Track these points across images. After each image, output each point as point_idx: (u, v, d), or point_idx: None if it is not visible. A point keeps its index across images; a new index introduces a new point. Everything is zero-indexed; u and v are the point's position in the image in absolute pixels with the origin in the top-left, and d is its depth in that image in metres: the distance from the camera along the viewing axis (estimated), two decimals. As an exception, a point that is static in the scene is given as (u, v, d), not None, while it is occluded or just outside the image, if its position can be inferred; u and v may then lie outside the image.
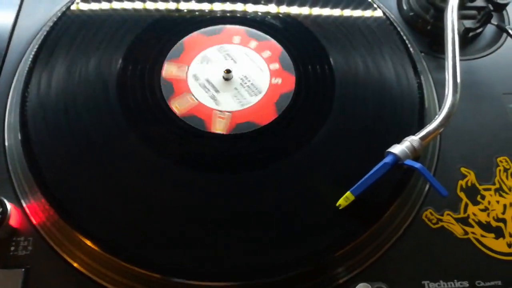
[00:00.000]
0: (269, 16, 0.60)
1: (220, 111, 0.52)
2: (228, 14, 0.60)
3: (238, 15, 0.60)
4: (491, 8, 0.57)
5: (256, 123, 0.51)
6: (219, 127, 0.51)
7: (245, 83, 0.54)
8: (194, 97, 0.53)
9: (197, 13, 0.60)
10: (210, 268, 0.44)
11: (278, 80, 0.54)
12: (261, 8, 0.61)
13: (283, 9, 0.61)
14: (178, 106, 0.52)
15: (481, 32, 0.61)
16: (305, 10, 0.61)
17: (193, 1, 0.60)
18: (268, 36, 0.58)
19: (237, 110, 0.52)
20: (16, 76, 0.55)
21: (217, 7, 0.61)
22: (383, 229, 0.47)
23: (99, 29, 0.57)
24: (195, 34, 0.58)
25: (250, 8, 0.61)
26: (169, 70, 0.55)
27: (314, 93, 0.54)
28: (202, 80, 0.54)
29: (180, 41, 0.57)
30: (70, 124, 0.50)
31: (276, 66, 0.56)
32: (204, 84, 0.54)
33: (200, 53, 0.56)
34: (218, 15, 0.60)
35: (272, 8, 0.61)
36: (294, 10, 0.61)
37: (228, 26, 0.59)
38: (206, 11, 0.60)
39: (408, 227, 0.48)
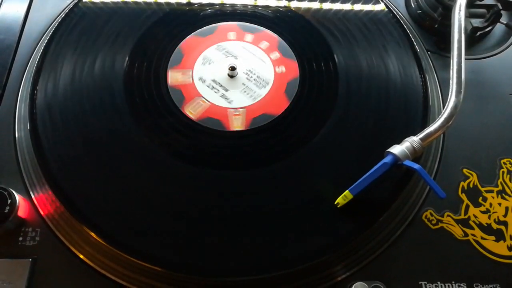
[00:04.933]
0: (259, 8, 0.61)
1: (234, 108, 0.53)
2: (218, 12, 0.60)
3: (229, 11, 0.61)
4: (500, 7, 0.56)
5: (271, 114, 0.52)
6: (236, 124, 0.52)
7: (251, 76, 0.55)
8: (205, 99, 0.53)
9: (188, 15, 0.60)
10: (212, 263, 0.44)
11: (282, 68, 0.55)
12: (251, 1, 0.61)
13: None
14: (192, 111, 0.52)
15: (489, 31, 0.60)
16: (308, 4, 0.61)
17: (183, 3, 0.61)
18: (262, 27, 0.58)
19: (250, 104, 0.53)
20: (27, 69, 0.57)
21: (207, 6, 0.61)
22: (382, 228, 0.47)
23: (106, 24, 0.58)
24: (190, 37, 0.58)
25: (240, 2, 0.61)
26: (174, 77, 0.55)
27: (319, 76, 0.55)
28: (209, 82, 0.55)
29: (177, 46, 0.57)
30: (78, 118, 0.51)
31: (276, 55, 0.56)
32: (212, 85, 0.54)
33: (200, 55, 0.57)
34: (209, 14, 0.60)
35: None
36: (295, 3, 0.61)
37: (221, 24, 0.59)
38: (197, 12, 0.60)
39: (407, 227, 0.48)
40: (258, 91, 0.54)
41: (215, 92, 0.54)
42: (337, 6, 0.61)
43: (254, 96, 0.53)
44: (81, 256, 0.46)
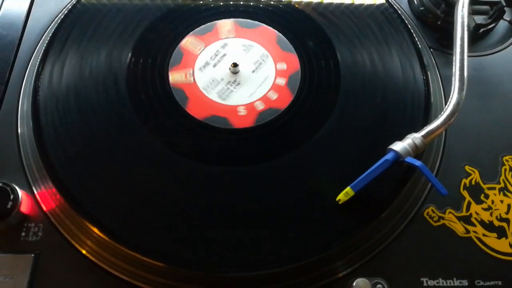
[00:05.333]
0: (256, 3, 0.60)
1: (191, 80, 0.54)
2: (214, 11, 0.60)
3: (225, 8, 0.60)
4: (504, 3, 0.56)
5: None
6: (176, 78, 0.54)
7: (230, 85, 0.55)
8: (200, 50, 0.55)
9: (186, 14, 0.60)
10: (214, 259, 0.45)
11: (274, 96, 0.53)
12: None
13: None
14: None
15: (493, 28, 0.60)
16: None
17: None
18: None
19: (202, 93, 0.54)
20: (29, 66, 0.57)
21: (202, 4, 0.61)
22: (383, 225, 0.47)
23: (110, 20, 0.58)
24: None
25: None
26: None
27: (320, 73, 0.55)
28: (221, 52, 0.56)
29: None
30: (81, 113, 0.51)
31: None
32: (218, 54, 0.56)
33: (245, 39, 0.57)
34: (206, 12, 0.60)
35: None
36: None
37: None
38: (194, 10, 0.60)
39: (409, 224, 0.48)
40: (216, 98, 0.54)
41: (211, 58, 0.55)
42: (338, 1, 0.61)
43: (210, 94, 0.54)
44: (84, 252, 0.46)
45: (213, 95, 0.54)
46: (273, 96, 0.54)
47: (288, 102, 0.53)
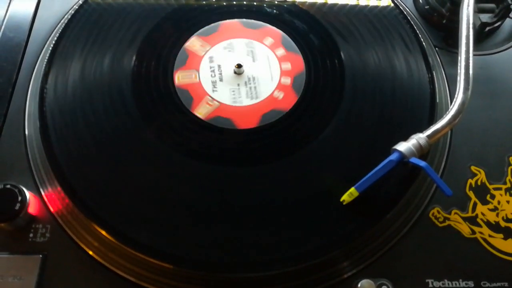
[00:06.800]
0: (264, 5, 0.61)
1: (212, 98, 0.53)
2: (218, 11, 0.60)
3: (228, 9, 0.61)
4: (510, 1, 0.55)
5: (234, 122, 0.52)
6: (201, 111, 0.52)
7: (235, 86, 0.55)
8: (199, 75, 0.55)
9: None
10: (220, 259, 0.45)
11: (280, 94, 0.53)
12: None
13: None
14: (180, 78, 0.54)
15: (498, 27, 0.59)
16: None
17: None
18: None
19: (226, 104, 0.53)
20: (36, 67, 0.57)
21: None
22: (388, 226, 0.47)
23: (115, 21, 0.58)
24: (235, 21, 0.59)
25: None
26: (193, 43, 0.57)
27: (325, 73, 0.55)
28: (215, 64, 0.55)
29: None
30: (87, 115, 0.52)
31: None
32: (214, 68, 0.55)
33: (228, 40, 0.58)
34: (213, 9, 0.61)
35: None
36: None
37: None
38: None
39: (414, 225, 0.48)
40: (243, 99, 0.54)
41: (212, 76, 0.55)
42: (343, 1, 0.60)
43: (236, 100, 0.53)
44: (90, 252, 0.46)
45: (247, 102, 0.54)
46: (279, 96, 0.54)
47: (293, 103, 0.53)
